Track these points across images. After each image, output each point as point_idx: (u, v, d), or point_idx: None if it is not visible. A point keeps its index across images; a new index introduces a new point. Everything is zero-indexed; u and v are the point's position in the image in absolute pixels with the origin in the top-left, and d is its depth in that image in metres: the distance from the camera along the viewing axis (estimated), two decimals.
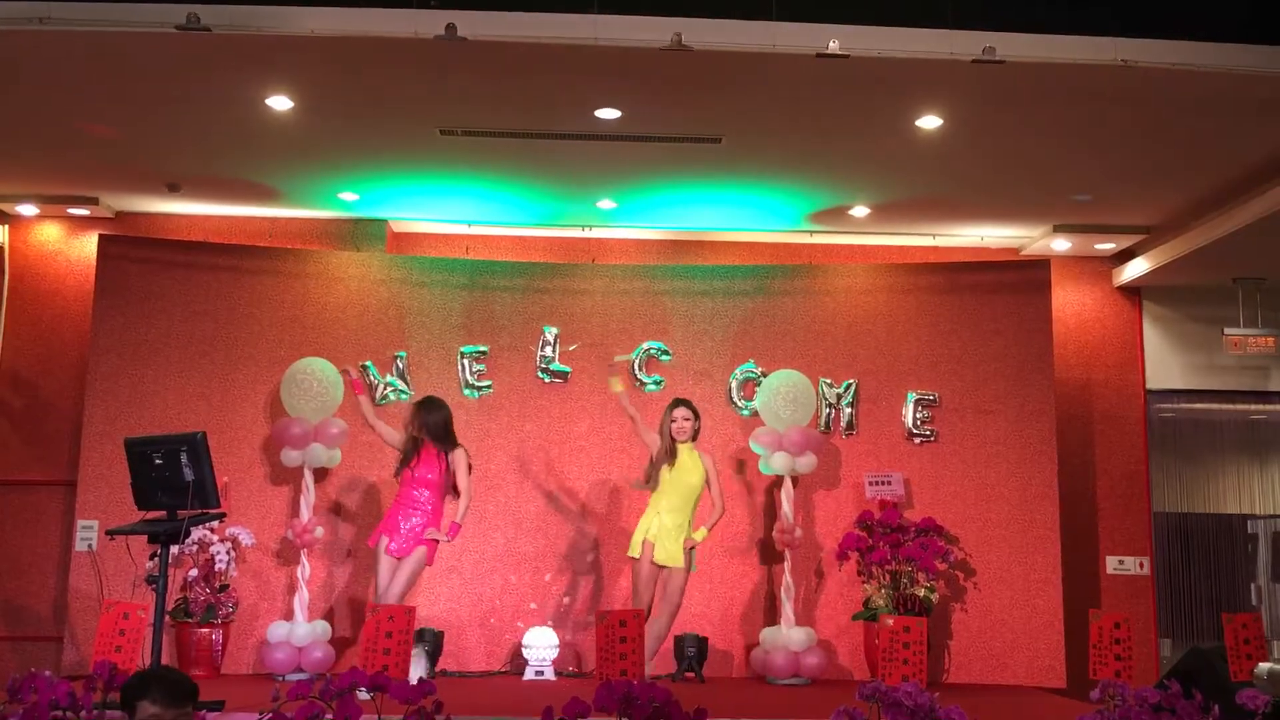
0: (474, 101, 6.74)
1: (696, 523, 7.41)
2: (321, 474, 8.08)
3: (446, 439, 7.33)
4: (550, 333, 8.58)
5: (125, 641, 6.63)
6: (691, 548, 7.29)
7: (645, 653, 6.63)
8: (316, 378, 7.89)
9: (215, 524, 7.51)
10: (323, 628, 7.74)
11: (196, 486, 5.63)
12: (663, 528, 7.20)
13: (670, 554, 7.20)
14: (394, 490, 8.19)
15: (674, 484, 7.27)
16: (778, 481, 8.12)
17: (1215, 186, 7.80)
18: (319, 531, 7.81)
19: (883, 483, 8.31)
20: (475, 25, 5.81)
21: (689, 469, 7.29)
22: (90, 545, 7.88)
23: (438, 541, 7.24)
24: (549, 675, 7.71)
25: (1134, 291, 9.46)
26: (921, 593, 7.85)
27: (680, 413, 7.36)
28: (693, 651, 7.81)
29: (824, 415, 8.53)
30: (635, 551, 7.27)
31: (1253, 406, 9.73)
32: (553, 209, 8.72)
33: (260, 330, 8.37)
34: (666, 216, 8.86)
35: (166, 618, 6.23)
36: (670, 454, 7.33)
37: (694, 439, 7.47)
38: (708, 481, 7.41)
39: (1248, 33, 6.12)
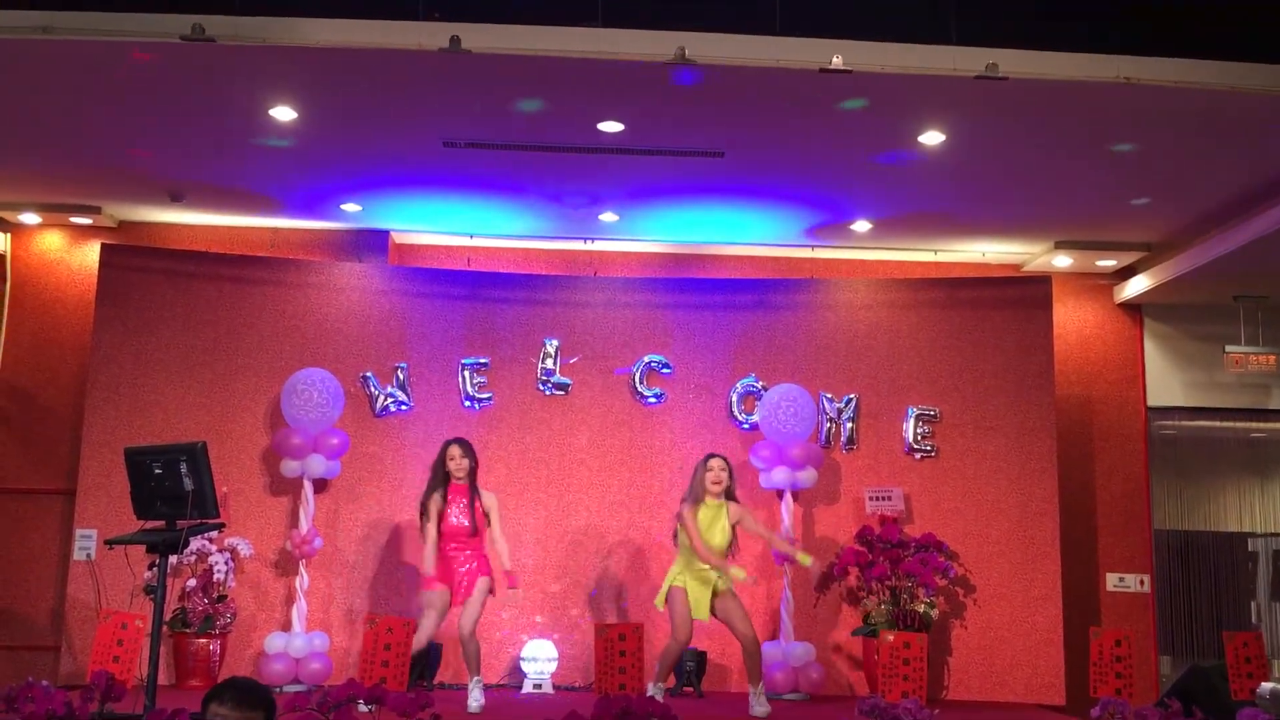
0: (477, 114, 6.75)
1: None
2: (321, 485, 8.07)
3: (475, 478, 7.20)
4: (551, 345, 8.58)
5: (123, 651, 6.62)
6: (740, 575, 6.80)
7: (761, 670, 6.81)
8: (317, 388, 7.89)
9: (214, 534, 7.51)
10: (321, 639, 7.72)
11: (196, 496, 5.62)
12: (689, 583, 6.80)
13: (700, 608, 6.78)
14: (392, 501, 8.22)
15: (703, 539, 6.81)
16: (778, 496, 8.12)
17: (1217, 204, 7.80)
18: (318, 543, 7.80)
19: (883, 498, 8.30)
20: (479, 38, 5.83)
21: (715, 528, 6.82)
22: (88, 555, 7.87)
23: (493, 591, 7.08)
24: (547, 689, 7.69)
25: (1135, 308, 9.46)
26: (921, 608, 7.83)
27: (717, 463, 6.92)
28: (691, 666, 7.79)
29: (825, 430, 8.53)
30: (660, 603, 6.92)
31: (1253, 424, 9.71)
32: (555, 221, 8.72)
33: (261, 341, 8.37)
34: (668, 229, 8.86)
35: (164, 628, 6.20)
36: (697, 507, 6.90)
37: (727, 496, 6.93)
38: (739, 528, 6.90)
39: (1249, 51, 6.14)
